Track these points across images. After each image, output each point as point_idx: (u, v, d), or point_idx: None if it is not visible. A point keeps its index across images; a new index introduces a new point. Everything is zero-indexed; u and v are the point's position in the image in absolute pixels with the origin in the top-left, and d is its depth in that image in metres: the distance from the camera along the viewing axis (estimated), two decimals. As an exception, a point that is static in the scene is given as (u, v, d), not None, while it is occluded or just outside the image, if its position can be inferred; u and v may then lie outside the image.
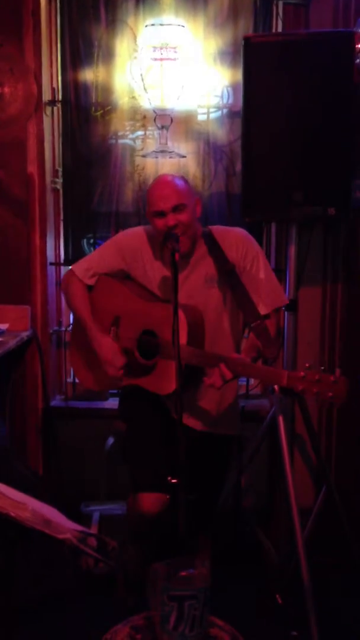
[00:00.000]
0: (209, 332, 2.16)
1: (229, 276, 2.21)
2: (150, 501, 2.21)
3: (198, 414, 2.24)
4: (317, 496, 3.07)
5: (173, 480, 1.82)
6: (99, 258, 2.38)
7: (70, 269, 2.43)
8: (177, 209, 2.16)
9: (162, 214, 2.17)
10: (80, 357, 2.42)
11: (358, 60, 2.94)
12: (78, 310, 2.35)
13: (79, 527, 1.96)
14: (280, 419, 2.74)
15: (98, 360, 2.28)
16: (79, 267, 2.38)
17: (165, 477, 2.13)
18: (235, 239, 2.29)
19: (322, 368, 1.88)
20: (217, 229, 2.32)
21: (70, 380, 3.32)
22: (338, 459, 3.26)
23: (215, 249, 2.25)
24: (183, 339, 2.08)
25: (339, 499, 3.00)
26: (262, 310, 2.22)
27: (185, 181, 2.28)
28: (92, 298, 2.35)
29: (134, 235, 2.38)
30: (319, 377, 1.85)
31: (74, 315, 2.44)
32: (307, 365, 1.92)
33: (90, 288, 2.38)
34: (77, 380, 2.58)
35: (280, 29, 3.12)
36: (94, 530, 2.89)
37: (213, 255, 2.24)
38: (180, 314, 2.08)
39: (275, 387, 2.80)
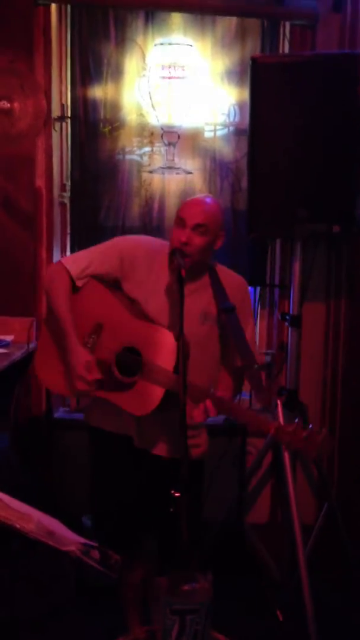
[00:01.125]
0: (193, 365, 2.03)
1: (228, 315, 2.12)
2: (133, 577, 2.24)
3: (165, 440, 2.17)
4: (318, 512, 3.08)
5: (176, 494, 1.82)
6: (98, 258, 2.17)
7: (61, 263, 2.19)
8: (197, 228, 2.07)
9: (182, 223, 2.08)
10: (51, 359, 2.22)
11: (363, 81, 2.98)
12: (60, 312, 2.14)
13: (82, 540, 1.97)
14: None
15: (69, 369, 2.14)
16: (73, 264, 2.16)
17: (139, 542, 2.13)
18: (238, 283, 2.24)
19: (310, 426, 1.89)
20: (221, 267, 2.25)
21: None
22: (340, 475, 3.26)
23: (217, 285, 2.16)
24: (170, 364, 2.02)
25: (340, 517, 3.01)
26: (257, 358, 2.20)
27: (220, 209, 2.18)
28: (76, 299, 2.17)
29: (135, 243, 2.25)
30: (306, 435, 1.86)
31: (53, 313, 2.18)
32: (296, 420, 1.94)
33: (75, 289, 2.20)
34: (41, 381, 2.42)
35: (287, 50, 3.17)
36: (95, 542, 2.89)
37: (214, 290, 2.16)
38: (169, 337, 2.04)
39: (278, 401, 2.84)
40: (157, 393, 2.04)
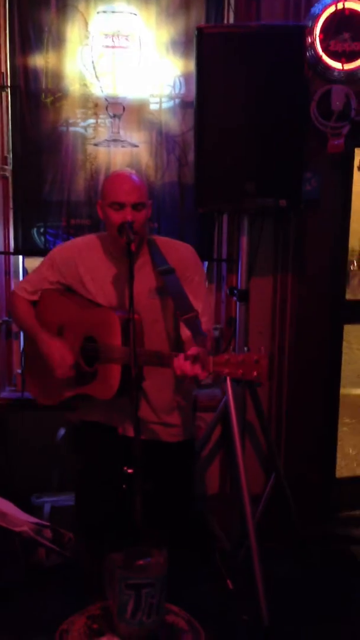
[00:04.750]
0: (147, 337, 2.13)
1: (166, 276, 2.18)
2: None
3: (153, 425, 2.23)
4: (266, 483, 3.14)
5: (129, 471, 1.82)
6: (36, 275, 2.38)
7: (12, 291, 2.46)
8: (136, 206, 2.14)
9: (122, 206, 2.13)
10: (33, 371, 2.41)
11: (309, 54, 3.00)
12: (25, 322, 2.35)
13: (34, 519, 1.96)
14: (232, 407, 2.79)
15: (47, 370, 2.24)
16: (19, 287, 2.41)
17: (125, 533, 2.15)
18: (181, 252, 2.28)
19: (246, 348, 1.90)
20: (163, 239, 2.32)
21: (19, 371, 3.27)
22: (287, 446, 3.33)
23: (156, 254, 2.24)
24: (117, 339, 2.07)
25: (287, 486, 3.07)
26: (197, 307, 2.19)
27: (142, 180, 2.27)
28: (37, 313, 2.36)
29: (67, 248, 2.38)
30: (242, 359, 1.85)
31: (22, 329, 2.44)
32: (231, 348, 1.95)
33: (35, 304, 2.38)
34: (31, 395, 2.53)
35: (231, 20, 3.13)
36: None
37: (154, 263, 2.23)
38: (114, 316, 2.09)
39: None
40: (116, 371, 2.08)
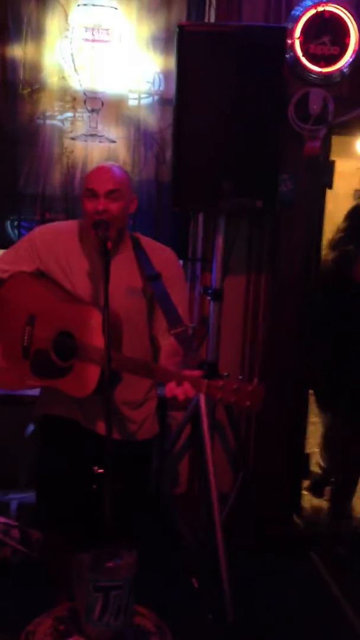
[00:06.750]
0: (127, 339, 2.08)
1: (153, 283, 2.13)
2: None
3: (116, 422, 2.18)
4: (234, 481, 3.16)
5: (99, 471, 1.81)
6: (13, 255, 2.25)
7: None
8: (111, 194, 2.07)
9: (95, 194, 2.07)
10: None
11: (288, 56, 3.01)
12: None
13: (2, 519, 1.94)
14: (203, 406, 2.80)
15: (7, 354, 2.19)
16: None
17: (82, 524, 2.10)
18: (164, 255, 2.23)
19: (240, 377, 1.89)
20: (146, 239, 2.25)
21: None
22: (256, 446, 3.35)
23: (141, 256, 2.17)
24: (99, 340, 1.99)
25: (254, 486, 3.10)
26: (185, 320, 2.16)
27: (127, 174, 2.20)
28: (4, 294, 2.22)
29: (50, 230, 2.27)
30: (237, 387, 1.83)
31: None
32: (225, 373, 1.94)
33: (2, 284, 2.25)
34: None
35: (212, 19, 3.12)
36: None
37: (139, 261, 2.17)
38: (97, 314, 2.01)
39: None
40: (94, 372, 2.03)
